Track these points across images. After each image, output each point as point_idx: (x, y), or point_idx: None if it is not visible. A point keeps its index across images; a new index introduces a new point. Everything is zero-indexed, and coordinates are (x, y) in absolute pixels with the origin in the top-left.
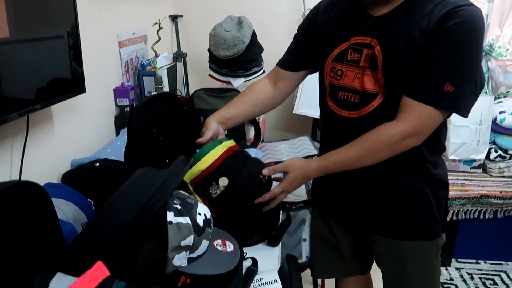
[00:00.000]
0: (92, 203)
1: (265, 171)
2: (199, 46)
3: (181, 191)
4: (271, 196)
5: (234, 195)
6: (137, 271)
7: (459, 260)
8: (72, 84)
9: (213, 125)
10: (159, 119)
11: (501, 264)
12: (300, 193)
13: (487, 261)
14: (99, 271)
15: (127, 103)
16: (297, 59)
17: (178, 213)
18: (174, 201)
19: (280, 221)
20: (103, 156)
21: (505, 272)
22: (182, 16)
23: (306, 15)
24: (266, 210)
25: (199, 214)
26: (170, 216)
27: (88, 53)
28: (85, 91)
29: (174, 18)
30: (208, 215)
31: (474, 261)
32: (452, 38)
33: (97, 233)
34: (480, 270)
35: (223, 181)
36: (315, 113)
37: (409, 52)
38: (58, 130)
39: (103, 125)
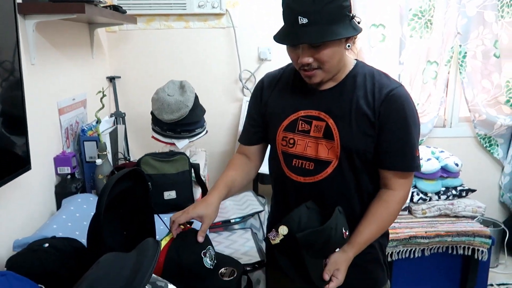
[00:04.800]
0: None
1: (326, 276)
2: (138, 105)
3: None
4: None
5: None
6: None
7: None
8: (16, 162)
9: (212, 213)
10: (123, 193)
11: None
12: (252, 253)
13: None
14: None
15: (69, 171)
16: (256, 133)
17: None
18: (146, 286)
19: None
20: (49, 233)
21: None
22: (120, 77)
23: (242, 77)
24: None
25: None
26: None
27: (29, 127)
28: (31, 168)
29: (111, 79)
30: None
31: None
32: (404, 115)
33: None
34: None
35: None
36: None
37: (362, 125)
38: None
39: (43, 197)
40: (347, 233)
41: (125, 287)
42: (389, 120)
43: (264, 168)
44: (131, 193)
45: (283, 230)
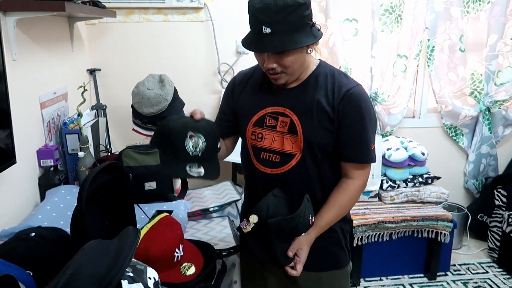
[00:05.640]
0: (31, 274)
1: (290, 253)
2: (118, 97)
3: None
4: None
5: None
6: None
7: (366, 279)
8: (1, 156)
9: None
10: (103, 185)
11: (399, 278)
12: (229, 239)
13: (389, 277)
14: None
15: (52, 164)
16: (226, 127)
17: (131, 280)
18: (127, 269)
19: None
20: (35, 223)
21: (403, 285)
22: (100, 69)
23: (221, 70)
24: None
25: (149, 278)
26: (125, 284)
27: (13, 121)
28: (16, 162)
29: (92, 71)
30: (157, 278)
31: (378, 278)
32: (360, 112)
33: None
34: (384, 286)
35: None
36: (236, 158)
37: (323, 121)
38: None
39: (27, 189)
40: (313, 220)
41: (108, 270)
42: (347, 117)
43: None
44: (112, 185)
45: (253, 218)
